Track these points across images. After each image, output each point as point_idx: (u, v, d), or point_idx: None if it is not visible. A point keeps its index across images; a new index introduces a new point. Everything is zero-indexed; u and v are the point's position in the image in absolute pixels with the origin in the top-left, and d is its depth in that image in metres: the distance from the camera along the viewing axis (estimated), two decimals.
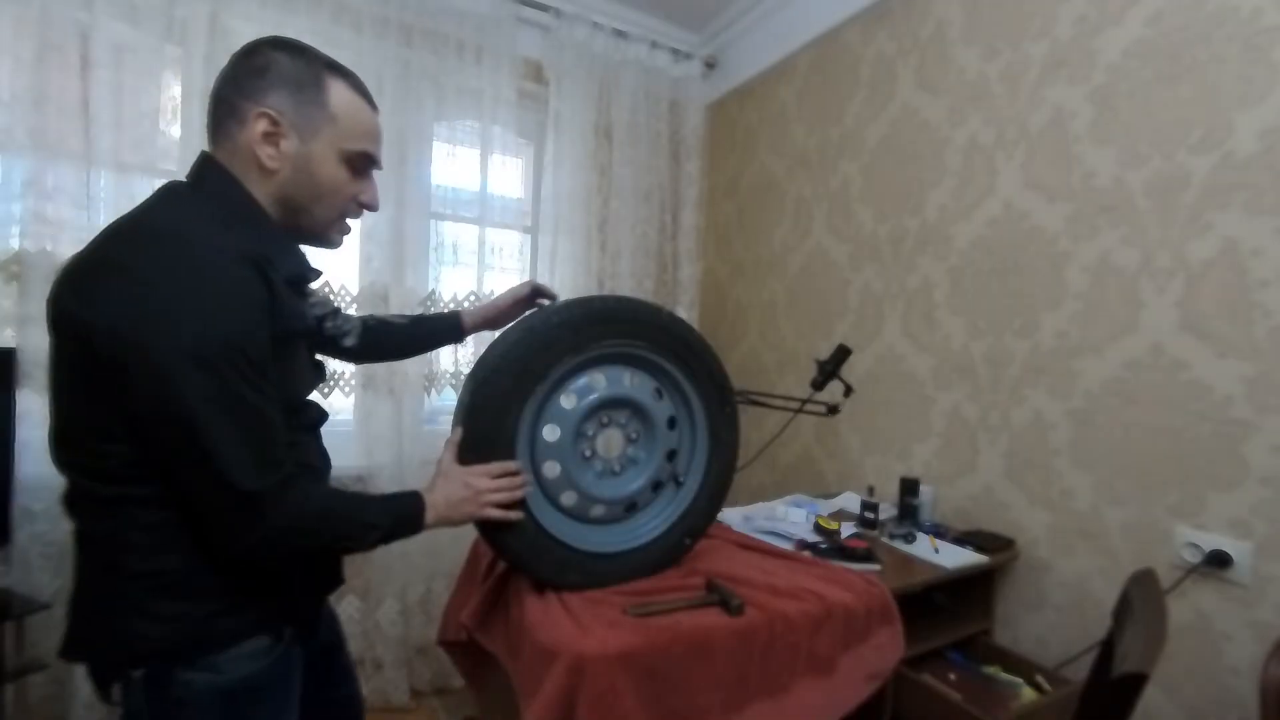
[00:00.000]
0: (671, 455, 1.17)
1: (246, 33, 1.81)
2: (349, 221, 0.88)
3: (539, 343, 1.00)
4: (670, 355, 1.14)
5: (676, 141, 2.67)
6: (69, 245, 1.61)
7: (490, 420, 0.99)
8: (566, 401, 1.07)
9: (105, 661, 0.76)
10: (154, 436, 0.67)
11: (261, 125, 0.75)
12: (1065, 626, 1.43)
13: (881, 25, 1.96)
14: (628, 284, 2.48)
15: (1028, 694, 1.31)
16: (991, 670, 1.40)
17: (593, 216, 2.43)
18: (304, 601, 0.88)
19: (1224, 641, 1.19)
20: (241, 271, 0.69)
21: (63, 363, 0.69)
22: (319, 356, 0.97)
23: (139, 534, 0.71)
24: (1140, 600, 0.88)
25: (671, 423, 1.16)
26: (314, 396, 0.90)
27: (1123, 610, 0.93)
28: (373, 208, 0.87)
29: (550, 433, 1.06)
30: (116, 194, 1.67)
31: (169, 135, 1.76)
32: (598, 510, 1.10)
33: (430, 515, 0.90)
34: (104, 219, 1.66)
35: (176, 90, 1.76)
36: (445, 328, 1.26)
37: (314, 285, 0.98)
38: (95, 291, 0.65)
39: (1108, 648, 0.93)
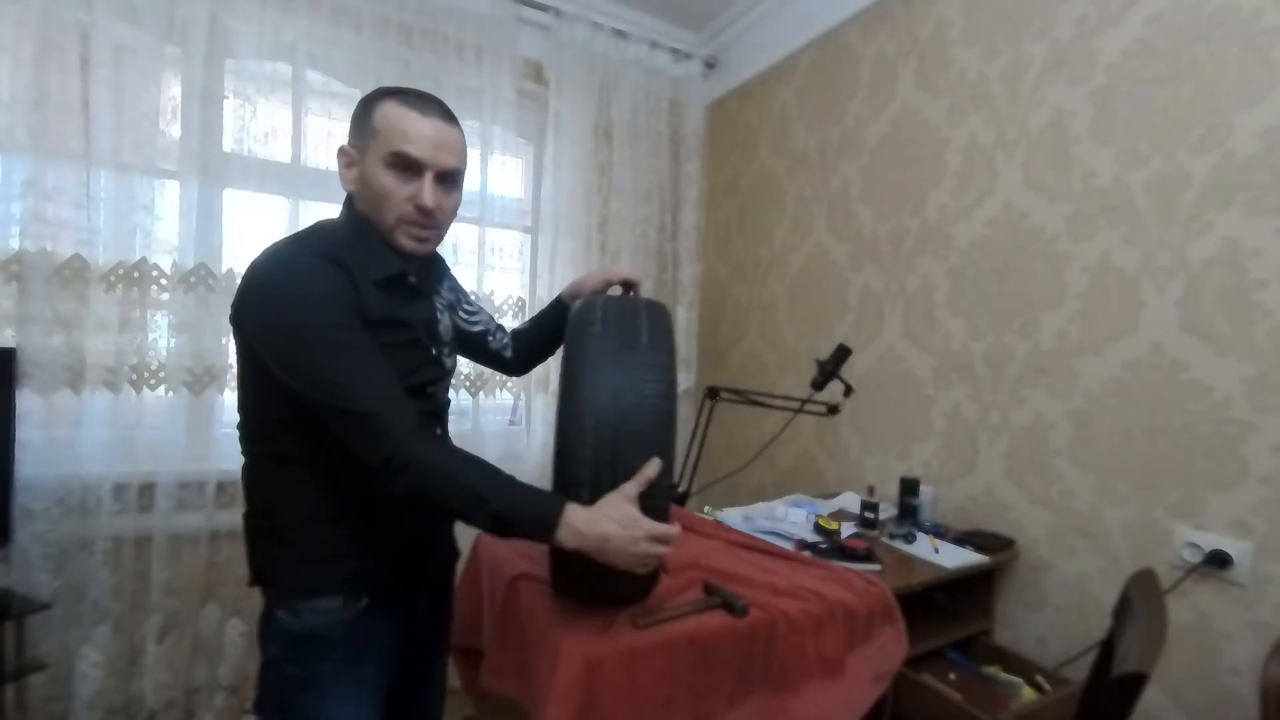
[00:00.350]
0: None
1: (246, 33, 1.81)
2: (419, 230, 0.93)
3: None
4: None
5: (676, 141, 2.67)
6: (69, 245, 1.62)
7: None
8: None
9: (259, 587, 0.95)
10: (298, 393, 0.81)
11: (340, 162, 0.94)
12: (1065, 626, 1.44)
13: (881, 25, 1.96)
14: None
15: (1028, 694, 1.31)
16: (991, 670, 1.40)
17: (593, 216, 2.43)
18: (386, 571, 0.94)
19: (1224, 641, 1.19)
20: (322, 267, 0.84)
21: (237, 351, 0.91)
22: (447, 358, 1.06)
23: (264, 486, 0.91)
24: (1140, 600, 0.88)
25: None
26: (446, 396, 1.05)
27: (1123, 610, 0.93)
28: (424, 208, 0.91)
29: None
30: (116, 194, 1.67)
31: (169, 135, 1.76)
32: None
33: (571, 538, 0.81)
34: (104, 219, 1.67)
35: (176, 90, 1.77)
36: (558, 317, 1.25)
37: (473, 301, 1.24)
38: (237, 303, 0.87)
39: (1108, 648, 0.93)
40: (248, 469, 0.93)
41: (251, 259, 0.87)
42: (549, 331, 1.28)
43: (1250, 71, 1.17)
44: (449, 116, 0.93)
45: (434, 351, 1.00)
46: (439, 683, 1.15)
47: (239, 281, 0.87)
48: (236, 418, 0.93)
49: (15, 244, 1.57)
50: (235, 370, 0.95)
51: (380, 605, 0.93)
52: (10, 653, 1.48)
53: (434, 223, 0.94)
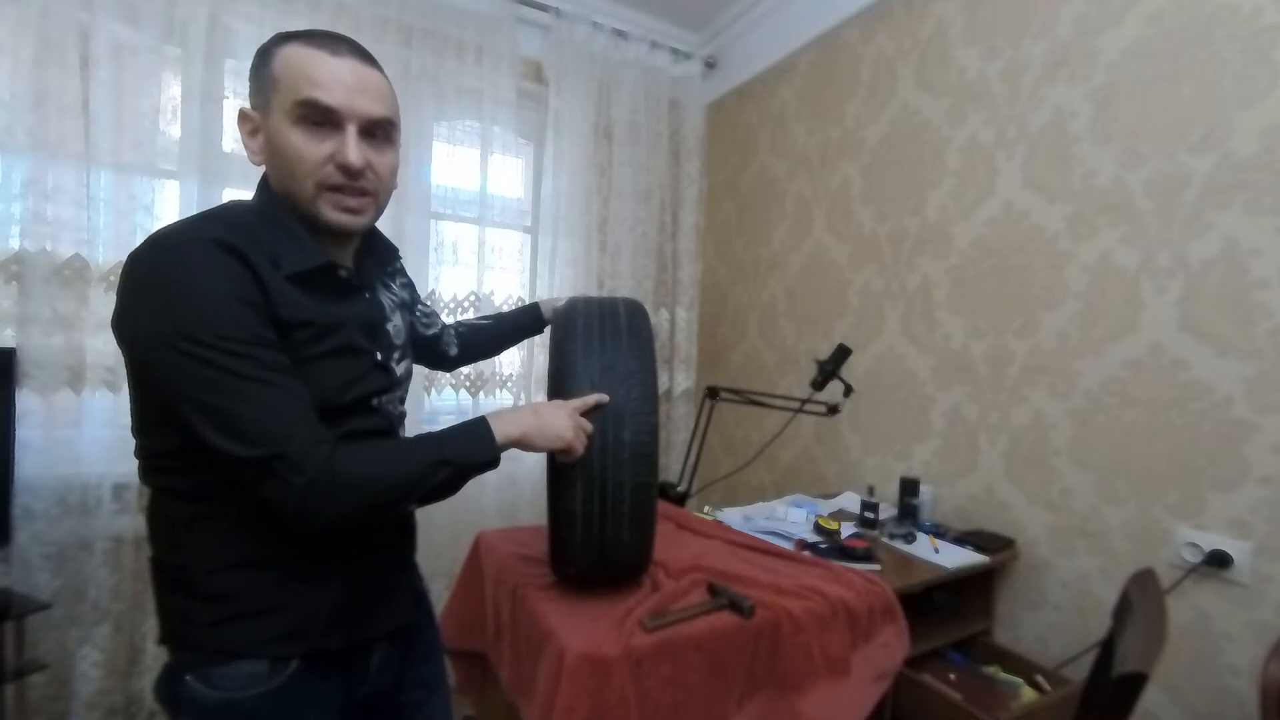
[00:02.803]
0: None
1: (246, 33, 1.81)
2: (346, 198, 0.77)
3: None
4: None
5: (676, 141, 2.67)
6: (69, 245, 1.62)
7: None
8: None
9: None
10: (182, 421, 0.68)
11: (243, 130, 0.77)
12: (1065, 626, 1.43)
13: (881, 25, 1.96)
14: (628, 284, 2.48)
15: (1028, 694, 1.31)
16: (991, 670, 1.40)
17: (593, 216, 2.43)
18: (326, 625, 0.77)
19: (1224, 641, 1.19)
20: (221, 261, 0.68)
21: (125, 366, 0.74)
22: (397, 364, 0.89)
23: (167, 526, 0.75)
24: (1140, 600, 0.88)
25: None
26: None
27: (1123, 610, 0.93)
28: (349, 166, 0.74)
29: None
30: (116, 194, 1.67)
31: (169, 135, 1.76)
32: None
33: (512, 428, 0.84)
34: (104, 219, 1.67)
35: (176, 90, 1.76)
36: (529, 321, 1.29)
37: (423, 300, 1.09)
38: (117, 299, 0.70)
39: (1108, 648, 0.93)
40: (149, 502, 0.76)
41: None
42: (508, 338, 1.28)
43: (1250, 71, 1.17)
44: (367, 57, 0.78)
45: (379, 357, 0.84)
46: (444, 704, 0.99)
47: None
48: None
49: (15, 244, 1.57)
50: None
51: (316, 666, 0.77)
52: (10, 653, 1.48)
53: (364, 186, 0.77)
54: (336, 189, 0.76)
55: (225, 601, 0.73)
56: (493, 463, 0.83)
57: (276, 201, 0.76)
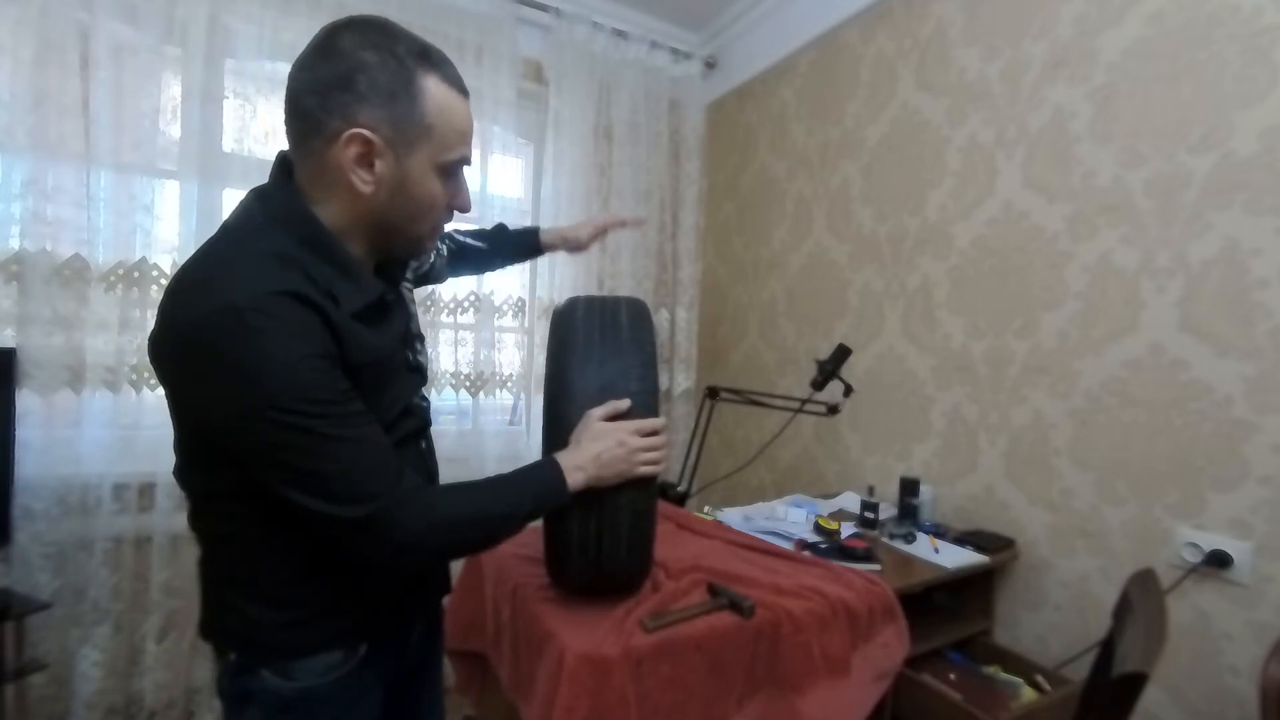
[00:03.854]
0: None
1: (246, 33, 1.81)
2: (441, 230, 0.83)
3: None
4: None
5: (676, 141, 2.67)
6: (69, 245, 1.62)
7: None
8: None
9: (214, 644, 0.80)
10: (257, 477, 0.67)
11: (354, 149, 0.68)
12: (1065, 626, 1.43)
13: (881, 25, 1.96)
14: (628, 284, 2.48)
15: (1028, 694, 1.31)
16: (991, 670, 1.40)
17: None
18: (385, 616, 0.84)
19: (1224, 641, 1.19)
20: (289, 312, 0.64)
21: (170, 405, 0.71)
22: (422, 354, 0.91)
23: (231, 544, 0.75)
24: (1140, 600, 0.88)
25: None
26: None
27: (1123, 610, 0.93)
28: (466, 210, 0.80)
29: None
30: (116, 194, 1.67)
31: (169, 135, 1.76)
32: None
33: (579, 476, 0.86)
34: (104, 219, 1.67)
35: (176, 90, 1.77)
36: (525, 245, 1.27)
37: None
38: (169, 361, 0.67)
39: (1108, 648, 0.93)
40: (202, 524, 0.76)
41: (177, 276, 0.67)
42: (503, 258, 1.25)
43: (1250, 71, 1.17)
44: None
45: (411, 359, 0.86)
46: (436, 690, 1.05)
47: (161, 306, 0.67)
48: None
49: (15, 244, 1.57)
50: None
51: (377, 649, 0.83)
52: (10, 653, 1.48)
53: None
54: (440, 227, 0.81)
55: (300, 606, 0.76)
56: (561, 506, 0.88)
57: (323, 229, 0.71)
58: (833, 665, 1.09)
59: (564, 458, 0.88)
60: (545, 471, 0.86)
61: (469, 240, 1.21)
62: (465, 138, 0.75)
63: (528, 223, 2.40)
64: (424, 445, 0.90)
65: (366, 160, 0.69)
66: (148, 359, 0.78)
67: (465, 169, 0.78)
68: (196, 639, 1.80)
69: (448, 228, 1.13)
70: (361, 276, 0.74)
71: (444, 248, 1.15)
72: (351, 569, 0.76)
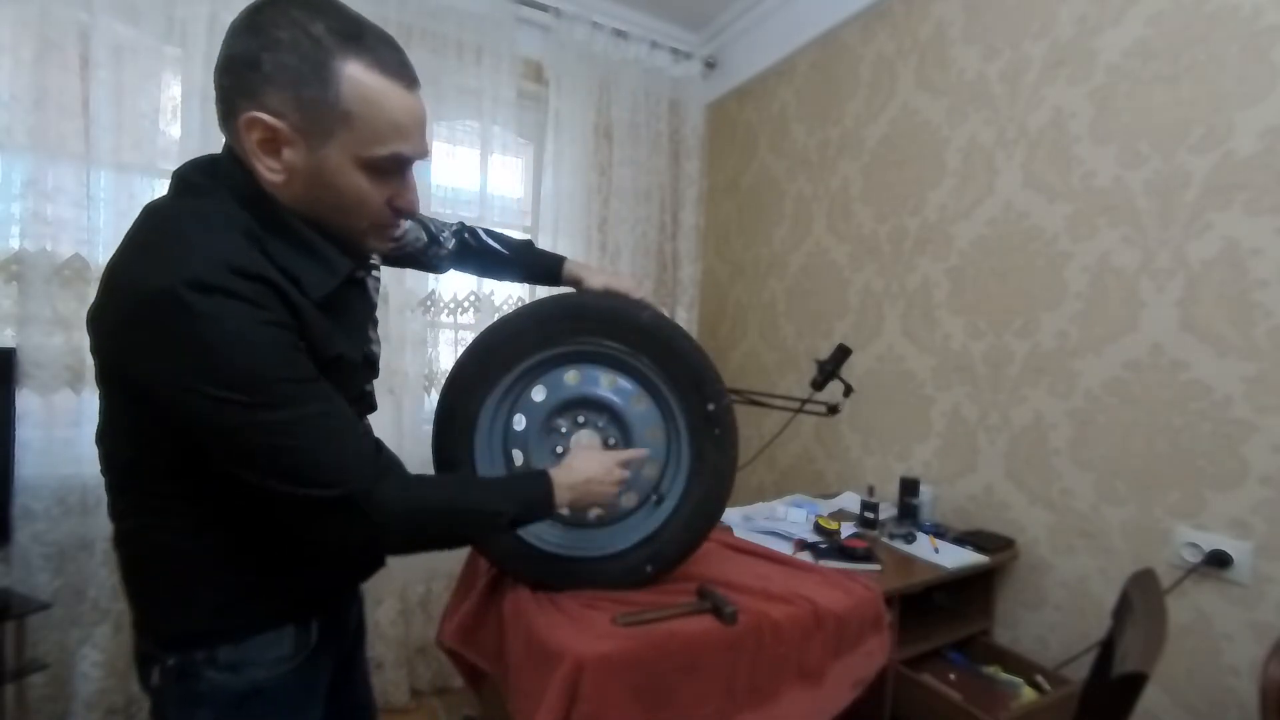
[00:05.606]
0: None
1: None
2: (392, 230, 0.75)
3: (507, 331, 1.02)
4: (651, 360, 1.06)
5: (676, 141, 2.67)
6: (69, 245, 1.61)
7: (455, 398, 1.03)
8: (538, 394, 1.08)
9: (143, 644, 0.74)
10: (214, 455, 0.64)
11: (256, 134, 0.64)
12: (1065, 626, 1.43)
13: (881, 25, 1.96)
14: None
15: (1028, 694, 1.31)
16: (991, 670, 1.40)
17: (592, 216, 2.43)
18: (333, 588, 0.80)
19: (1224, 641, 1.19)
20: (251, 291, 0.60)
21: (102, 377, 0.67)
22: (376, 342, 0.86)
23: (169, 521, 0.70)
24: (1140, 600, 0.88)
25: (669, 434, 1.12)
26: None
27: (1123, 610, 0.93)
28: (410, 213, 0.73)
29: (518, 422, 1.09)
30: (116, 194, 1.67)
31: (169, 135, 1.76)
32: (561, 513, 1.07)
33: (567, 495, 0.87)
34: (104, 219, 1.66)
35: (176, 90, 1.76)
36: (546, 270, 1.16)
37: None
38: (121, 330, 0.61)
39: (1108, 648, 0.93)
40: (126, 502, 0.71)
41: (125, 244, 0.63)
42: (519, 274, 1.18)
43: (1250, 71, 1.17)
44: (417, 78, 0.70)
45: (369, 349, 0.82)
46: (366, 664, 1.00)
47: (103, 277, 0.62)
48: None
49: (15, 244, 1.57)
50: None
51: (326, 631, 0.78)
52: (10, 653, 1.48)
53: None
54: (387, 225, 0.73)
55: (243, 580, 0.71)
56: (541, 520, 0.88)
57: (280, 206, 0.67)
58: (807, 674, 1.08)
59: (557, 474, 0.87)
60: (536, 483, 0.85)
61: (491, 241, 1.15)
62: (402, 131, 0.67)
63: (528, 222, 2.43)
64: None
65: (272, 147, 0.64)
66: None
67: (417, 166, 0.72)
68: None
69: (473, 223, 1.13)
70: (329, 256, 0.69)
71: (453, 240, 1.10)
72: (299, 542, 0.72)
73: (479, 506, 0.78)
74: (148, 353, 0.60)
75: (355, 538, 0.68)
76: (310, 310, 0.66)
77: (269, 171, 0.66)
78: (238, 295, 0.59)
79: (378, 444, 0.74)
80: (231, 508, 0.68)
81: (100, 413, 0.71)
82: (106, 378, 0.67)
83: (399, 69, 0.67)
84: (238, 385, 0.59)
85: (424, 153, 0.71)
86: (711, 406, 1.07)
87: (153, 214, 0.66)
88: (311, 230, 0.68)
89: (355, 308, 0.78)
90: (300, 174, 0.66)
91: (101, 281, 0.63)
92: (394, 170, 0.69)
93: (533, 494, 0.84)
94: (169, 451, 0.66)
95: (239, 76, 0.64)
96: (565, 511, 0.90)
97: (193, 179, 0.69)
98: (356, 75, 0.63)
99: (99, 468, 0.74)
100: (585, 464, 0.91)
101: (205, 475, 0.66)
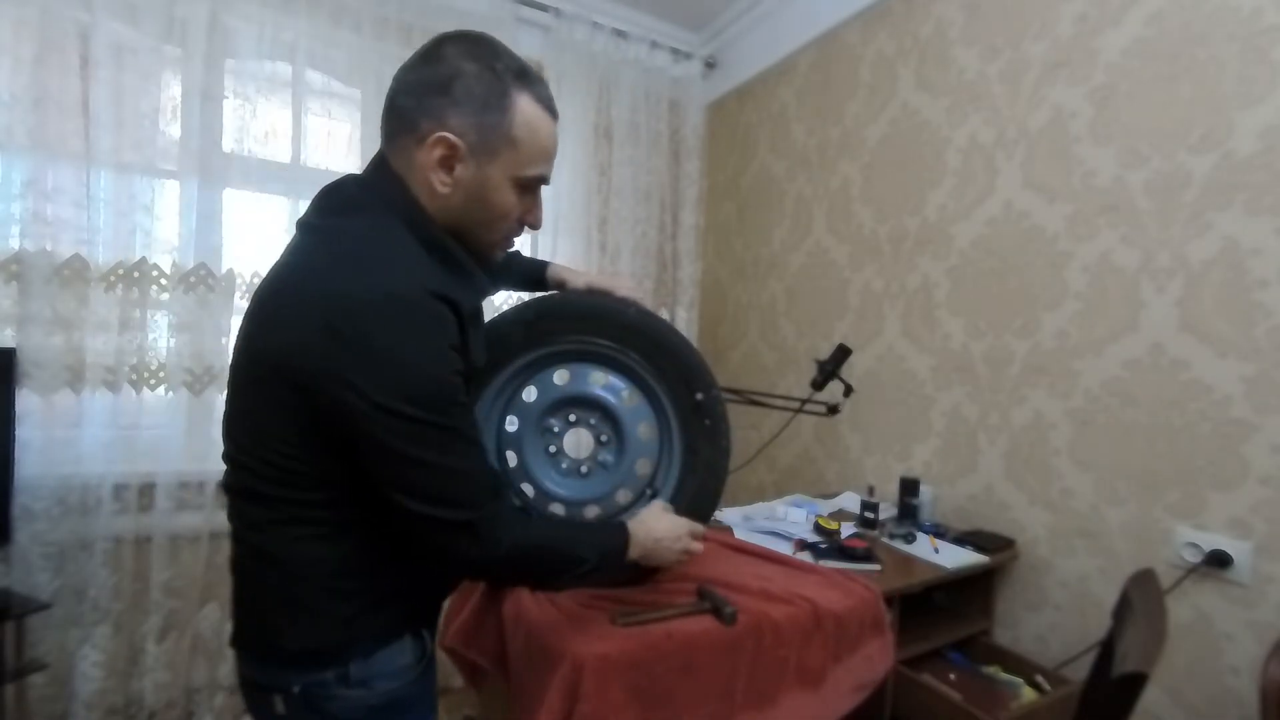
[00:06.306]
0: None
1: (246, 33, 1.81)
2: (511, 242, 0.84)
3: (493, 335, 1.01)
4: (639, 355, 1.06)
5: (676, 141, 2.67)
6: (69, 245, 1.62)
7: None
8: (528, 395, 1.08)
9: (263, 672, 0.74)
10: (368, 468, 0.67)
11: (439, 151, 0.71)
12: (1065, 626, 1.43)
13: (881, 25, 1.96)
14: (628, 283, 2.48)
15: (1028, 694, 1.31)
16: (991, 670, 1.40)
17: (592, 216, 2.43)
18: (442, 597, 0.85)
19: (1224, 641, 1.19)
20: (440, 313, 0.67)
21: (257, 380, 0.68)
22: None
23: (309, 533, 0.71)
24: (1140, 600, 0.88)
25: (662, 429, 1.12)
26: None
27: (1123, 610, 0.93)
28: (536, 227, 0.82)
29: (511, 424, 1.08)
30: (116, 194, 1.67)
31: (169, 135, 1.76)
32: (555, 509, 1.07)
33: (638, 551, 0.89)
34: (104, 219, 1.66)
35: (176, 90, 1.77)
36: (532, 275, 1.20)
37: None
38: (312, 344, 0.64)
39: (1108, 648, 0.93)
40: (271, 517, 0.71)
41: (319, 253, 0.68)
42: (512, 275, 1.20)
43: (1250, 71, 1.17)
44: None
45: None
46: None
47: (308, 294, 0.65)
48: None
49: (15, 244, 1.57)
50: (241, 388, 0.72)
51: (428, 640, 0.82)
52: (10, 653, 1.48)
53: None
54: (509, 237, 0.82)
55: (369, 591, 0.73)
56: (613, 572, 0.92)
57: (436, 227, 0.73)
58: (806, 677, 1.08)
59: (634, 529, 0.89)
60: (616, 535, 0.88)
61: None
62: (548, 156, 0.77)
63: None
64: None
65: (448, 163, 0.72)
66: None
67: (543, 189, 0.80)
68: (195, 638, 1.80)
69: None
70: (477, 277, 0.77)
71: None
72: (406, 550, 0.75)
73: (569, 550, 0.80)
74: (341, 360, 0.63)
75: (468, 559, 0.71)
76: (465, 328, 0.72)
77: (440, 185, 0.72)
78: (432, 315, 0.66)
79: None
80: (367, 516, 0.71)
81: (243, 421, 0.71)
82: (275, 382, 0.67)
83: (549, 104, 0.77)
84: (419, 401, 0.64)
85: (549, 180, 0.81)
86: (700, 396, 1.06)
87: (338, 233, 0.70)
88: (457, 247, 0.75)
89: (480, 323, 0.84)
90: (463, 188, 0.73)
91: (280, 290, 0.68)
92: (532, 189, 0.78)
93: (612, 545, 0.87)
94: (325, 457, 0.68)
95: (424, 99, 0.71)
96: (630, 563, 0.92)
97: (358, 197, 0.73)
98: (525, 106, 0.73)
99: (227, 479, 0.74)
100: (658, 523, 0.94)
101: (352, 482, 0.69)
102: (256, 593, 0.74)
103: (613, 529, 0.90)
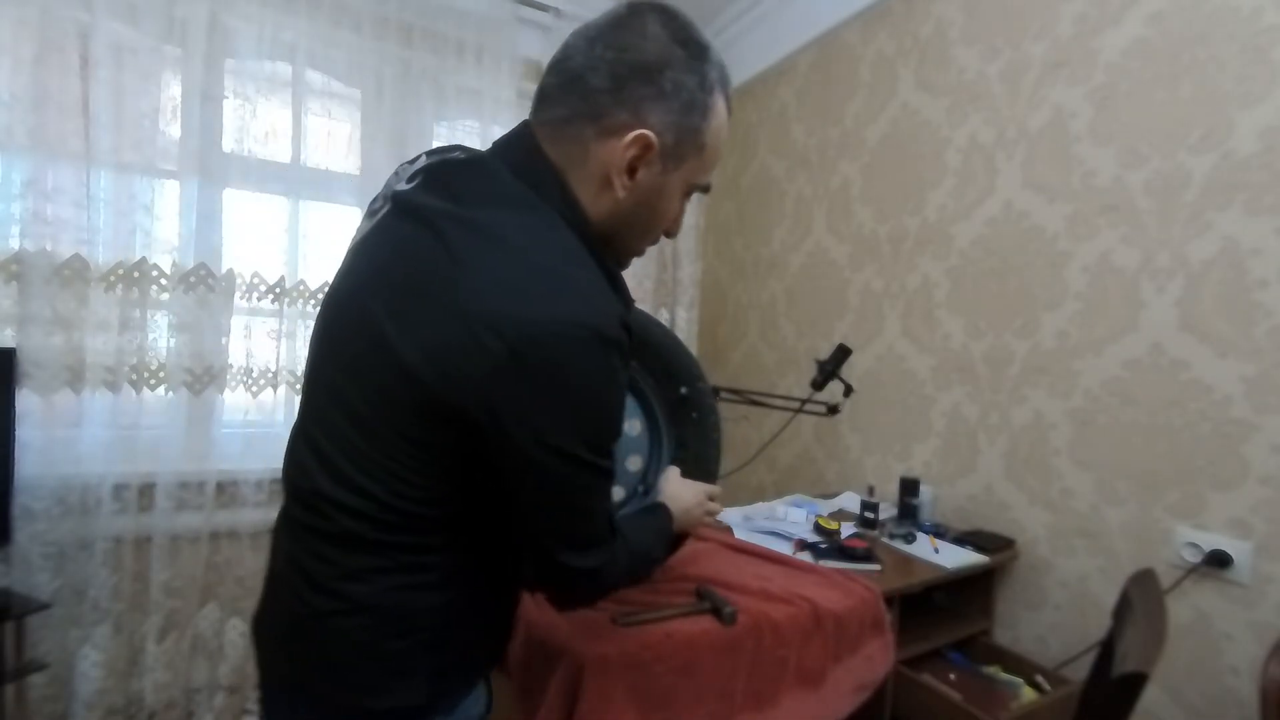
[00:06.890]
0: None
1: (246, 33, 1.81)
2: None
3: None
4: None
5: None
6: (69, 245, 1.62)
7: None
8: None
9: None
10: (516, 512, 0.61)
11: (633, 150, 0.59)
12: (1065, 626, 1.43)
13: (881, 25, 1.96)
14: (628, 283, 2.48)
15: (1028, 694, 1.31)
16: (991, 670, 1.40)
17: None
18: (505, 639, 0.77)
19: (1224, 641, 1.19)
20: (627, 348, 0.57)
21: (391, 403, 0.57)
22: None
23: (420, 580, 0.61)
24: (1140, 600, 0.88)
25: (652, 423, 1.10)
26: None
27: (1123, 610, 0.93)
28: (674, 235, 0.74)
29: None
30: (116, 194, 1.67)
31: (169, 135, 1.76)
32: None
33: (675, 526, 0.87)
34: (104, 219, 1.66)
35: (176, 90, 1.77)
36: None
37: None
38: (488, 373, 0.53)
39: (1108, 648, 0.93)
40: (380, 565, 0.60)
41: (500, 267, 0.54)
42: None
43: (1250, 71, 1.17)
44: None
45: None
46: None
47: (500, 309, 0.53)
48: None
49: (15, 244, 1.57)
50: (351, 409, 0.59)
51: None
52: (10, 653, 1.48)
53: None
54: (652, 245, 0.73)
55: (465, 644, 0.67)
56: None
57: (593, 232, 0.63)
58: (806, 677, 1.08)
59: (671, 505, 0.86)
60: (665, 520, 0.84)
61: None
62: (717, 163, 0.69)
63: None
64: None
65: (635, 165, 0.61)
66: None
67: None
68: (195, 638, 1.80)
69: None
70: (623, 287, 0.66)
71: None
72: (504, 595, 0.70)
73: (647, 555, 0.77)
74: (521, 396, 0.53)
75: (579, 599, 0.69)
76: None
77: (621, 188, 0.61)
78: (624, 353, 0.57)
79: None
80: (484, 560, 0.66)
81: (360, 457, 0.58)
82: (433, 416, 0.56)
83: (730, 105, 0.69)
84: (596, 447, 0.58)
85: None
86: (684, 390, 1.04)
87: (506, 234, 0.57)
88: (607, 256, 0.66)
89: None
90: (638, 193, 0.63)
91: (438, 294, 0.55)
92: (690, 196, 0.70)
93: (667, 530, 0.84)
94: (460, 499, 0.60)
95: (626, 85, 0.58)
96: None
97: (511, 188, 0.60)
98: (720, 110, 0.65)
99: (310, 520, 0.62)
100: (683, 492, 0.91)
101: (483, 526, 0.63)
102: (333, 648, 0.61)
103: (660, 515, 0.84)
